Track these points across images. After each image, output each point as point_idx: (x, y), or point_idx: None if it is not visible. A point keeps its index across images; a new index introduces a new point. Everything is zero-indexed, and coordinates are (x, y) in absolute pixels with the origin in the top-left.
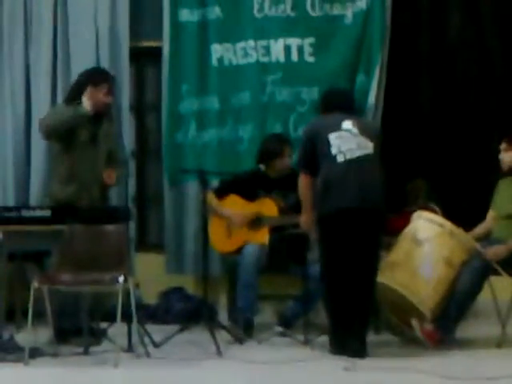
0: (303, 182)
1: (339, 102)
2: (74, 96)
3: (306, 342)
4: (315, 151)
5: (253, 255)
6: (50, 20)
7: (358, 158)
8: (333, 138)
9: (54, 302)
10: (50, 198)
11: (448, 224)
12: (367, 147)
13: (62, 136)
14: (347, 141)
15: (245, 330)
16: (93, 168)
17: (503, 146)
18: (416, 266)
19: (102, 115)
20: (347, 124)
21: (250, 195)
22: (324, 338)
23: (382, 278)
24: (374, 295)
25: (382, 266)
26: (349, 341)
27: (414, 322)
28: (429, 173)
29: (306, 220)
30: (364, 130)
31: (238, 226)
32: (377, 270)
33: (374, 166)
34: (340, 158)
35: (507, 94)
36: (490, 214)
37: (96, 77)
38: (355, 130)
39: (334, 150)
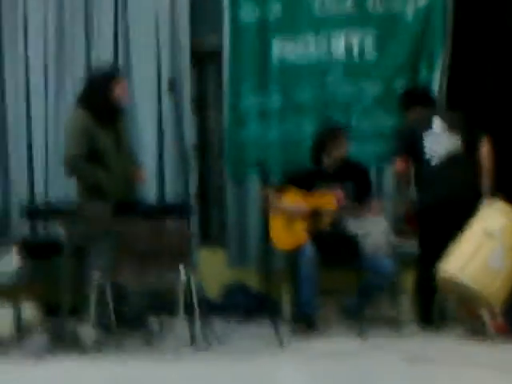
0: (401, 165)
1: (420, 98)
2: (93, 99)
3: (367, 335)
4: (412, 150)
5: (312, 250)
6: (111, 21)
7: (449, 157)
8: (426, 139)
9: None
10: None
11: None
12: (456, 145)
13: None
14: (439, 141)
15: (307, 323)
16: (123, 174)
17: None
18: (486, 258)
19: (119, 112)
20: (437, 124)
21: (309, 190)
22: (383, 330)
23: (452, 269)
24: None
25: (452, 257)
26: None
27: (485, 315)
28: None
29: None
30: (452, 126)
31: (298, 216)
32: None
33: (464, 162)
34: (434, 159)
35: None
36: None
37: (113, 75)
38: (445, 129)
39: (427, 151)
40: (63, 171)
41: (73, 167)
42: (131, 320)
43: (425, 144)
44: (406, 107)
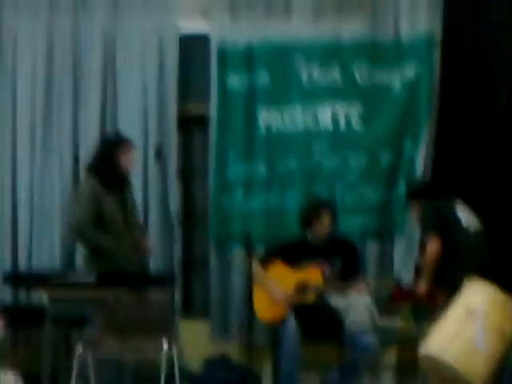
0: (435, 248)
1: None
2: (100, 165)
3: None
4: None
5: (295, 325)
6: (99, 82)
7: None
8: (457, 212)
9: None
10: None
11: (500, 294)
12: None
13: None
14: (468, 217)
15: None
16: (130, 242)
17: None
18: (468, 338)
19: (125, 182)
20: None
21: (295, 263)
22: None
23: (433, 349)
24: None
25: (433, 337)
26: None
27: None
28: None
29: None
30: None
31: (281, 302)
32: None
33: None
34: (471, 228)
35: None
36: None
37: (120, 143)
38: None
39: (463, 221)
40: (48, 237)
41: (79, 233)
42: None
43: (458, 216)
44: (425, 199)
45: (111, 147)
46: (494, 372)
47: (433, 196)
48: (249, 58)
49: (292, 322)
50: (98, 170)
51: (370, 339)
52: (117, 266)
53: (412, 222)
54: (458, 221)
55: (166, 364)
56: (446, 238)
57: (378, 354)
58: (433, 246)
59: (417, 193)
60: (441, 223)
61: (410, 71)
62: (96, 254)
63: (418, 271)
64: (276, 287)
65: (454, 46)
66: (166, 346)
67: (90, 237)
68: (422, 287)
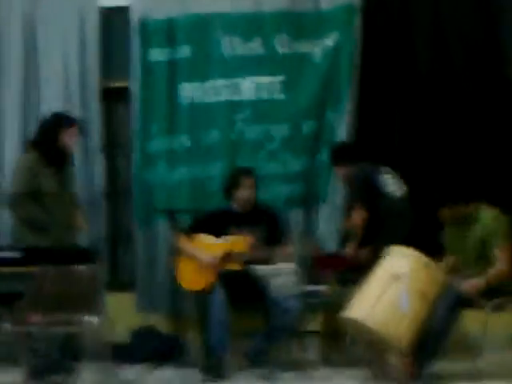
0: (361, 216)
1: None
2: (41, 141)
3: (276, 379)
4: (371, 189)
5: (222, 293)
6: (20, 59)
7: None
8: (382, 179)
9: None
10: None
11: (422, 258)
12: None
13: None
14: (394, 182)
15: (216, 367)
16: (64, 216)
17: None
18: (392, 301)
19: (66, 158)
20: (386, 170)
21: (219, 232)
22: (292, 374)
23: (357, 314)
24: None
25: (357, 301)
26: None
27: (392, 357)
28: None
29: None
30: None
31: (210, 268)
32: None
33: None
34: (397, 193)
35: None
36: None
37: (62, 120)
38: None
39: (389, 187)
40: None
41: (13, 205)
42: (41, 367)
43: (384, 182)
44: (349, 161)
45: (55, 125)
46: (418, 334)
47: (356, 158)
48: (170, 31)
49: (219, 290)
50: (40, 147)
51: (293, 302)
52: (49, 239)
53: (335, 188)
54: (382, 186)
55: (94, 337)
56: (372, 203)
57: (302, 318)
58: (359, 214)
59: (340, 155)
60: (367, 190)
61: (330, 40)
62: (29, 227)
63: (342, 237)
64: (203, 253)
65: (374, 14)
66: (92, 319)
67: (24, 209)
68: (350, 250)
